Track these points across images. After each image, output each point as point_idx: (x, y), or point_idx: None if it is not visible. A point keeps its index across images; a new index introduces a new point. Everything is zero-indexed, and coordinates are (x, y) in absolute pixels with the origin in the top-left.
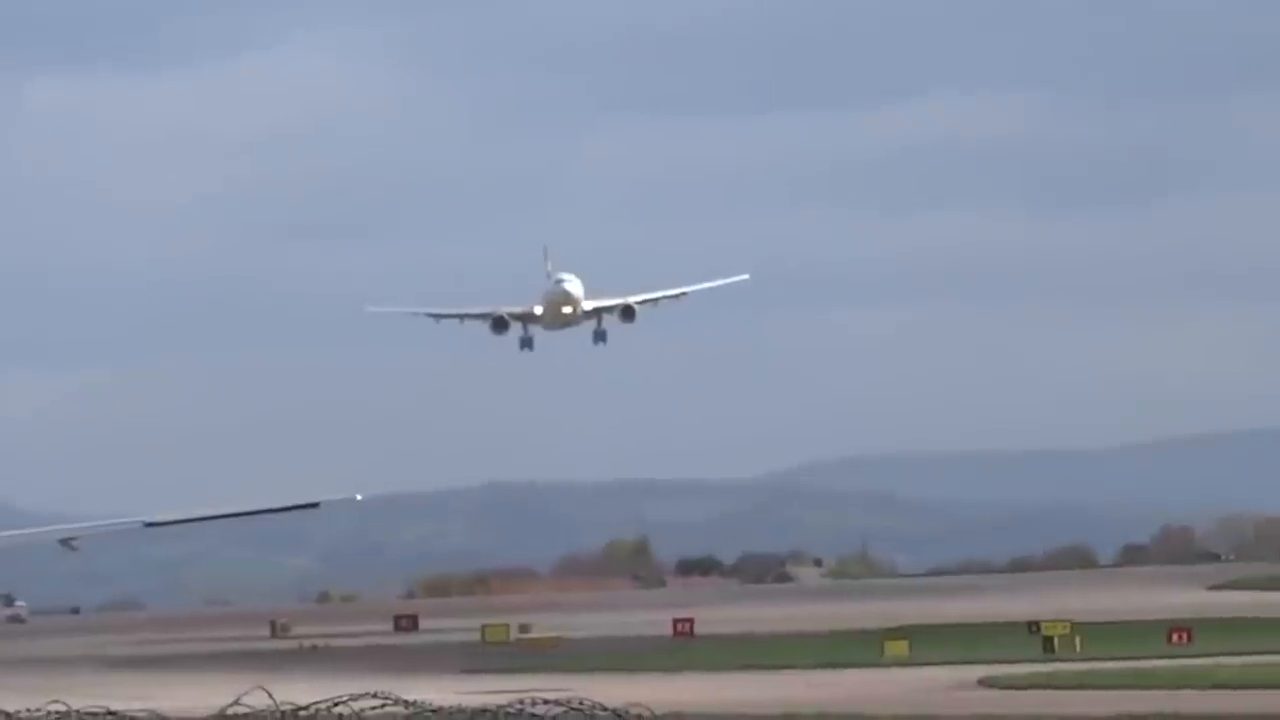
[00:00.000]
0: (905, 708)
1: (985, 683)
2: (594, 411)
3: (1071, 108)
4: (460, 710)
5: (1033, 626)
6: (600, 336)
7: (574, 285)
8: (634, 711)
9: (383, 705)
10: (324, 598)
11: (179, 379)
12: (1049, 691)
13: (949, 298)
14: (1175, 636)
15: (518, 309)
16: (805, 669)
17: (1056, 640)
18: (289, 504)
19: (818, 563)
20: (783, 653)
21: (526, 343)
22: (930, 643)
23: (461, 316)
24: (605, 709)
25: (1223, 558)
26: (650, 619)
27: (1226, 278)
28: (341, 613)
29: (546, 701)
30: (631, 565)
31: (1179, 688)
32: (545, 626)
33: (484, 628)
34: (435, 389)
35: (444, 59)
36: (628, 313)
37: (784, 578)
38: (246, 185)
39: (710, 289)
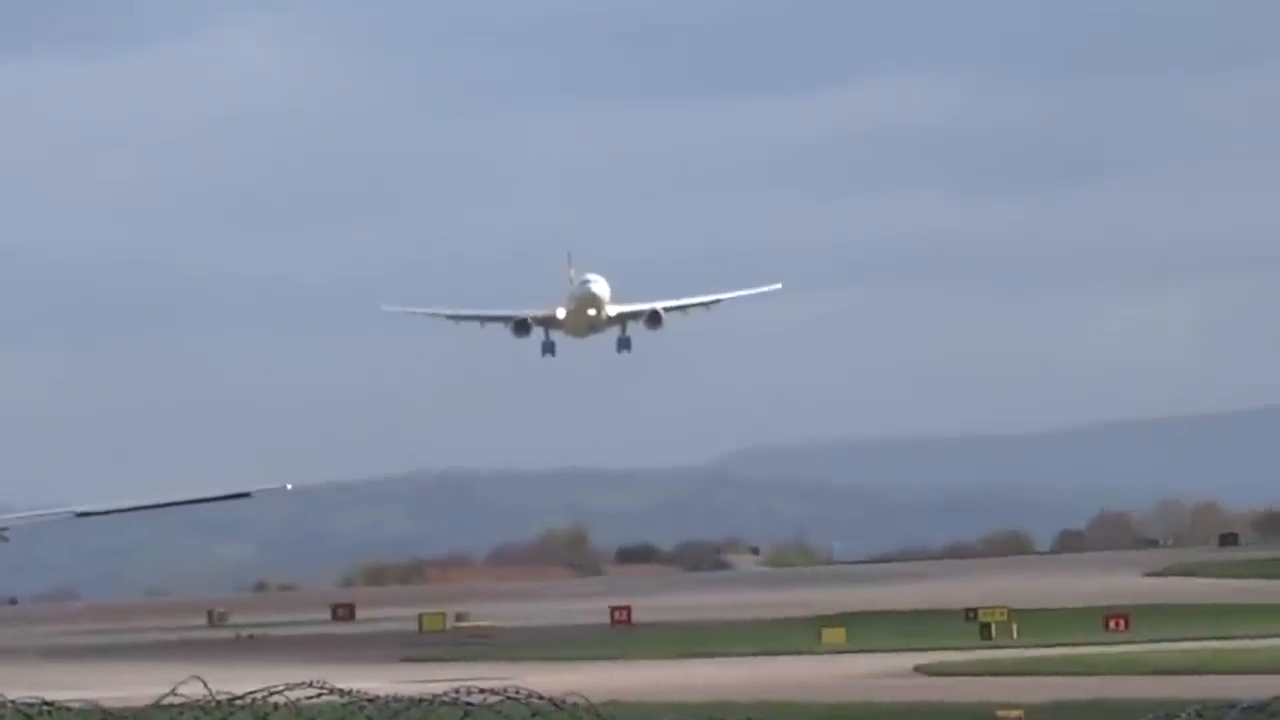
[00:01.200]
0: (842, 695)
1: (922, 670)
2: (530, 399)
3: (1004, 91)
4: (397, 699)
5: (969, 613)
6: (625, 344)
7: (600, 286)
8: (571, 700)
9: (319, 694)
10: (261, 587)
11: (110, 367)
12: (986, 678)
13: (884, 282)
14: (1112, 623)
15: (540, 312)
16: (743, 656)
17: (993, 627)
18: (220, 494)
19: (755, 550)
20: (720, 640)
21: (549, 348)
22: (867, 630)
23: (482, 319)
24: (542, 698)
25: (1160, 544)
26: (588, 607)
27: (1164, 260)
28: (278, 602)
29: (483, 690)
30: (568, 553)
31: (1116, 674)
32: (482, 615)
33: (421, 616)
34: (372, 378)
35: (387, 42)
36: (654, 319)
37: (721, 565)
38: (181, 172)
39: (741, 297)
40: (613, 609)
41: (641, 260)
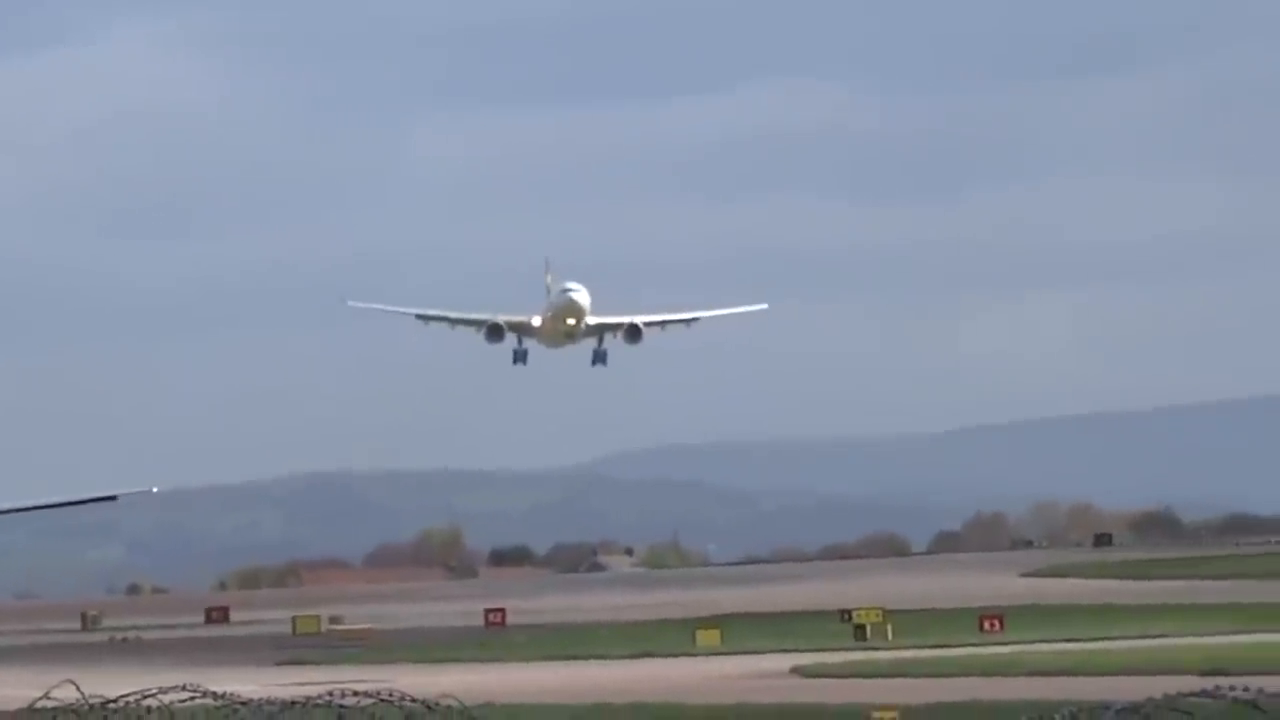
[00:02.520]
0: (717, 697)
1: (797, 671)
2: (405, 401)
3: (888, 99)
4: (271, 702)
5: (845, 615)
6: (600, 357)
7: (581, 296)
8: (445, 702)
9: (193, 698)
10: (135, 590)
11: None
12: (861, 680)
13: (765, 287)
14: (987, 624)
15: (516, 318)
16: (618, 658)
17: (868, 628)
18: (87, 497)
19: (629, 552)
20: (595, 642)
21: (520, 356)
22: (742, 631)
23: (453, 321)
24: (416, 700)
25: (1035, 544)
26: (462, 609)
27: (1039, 265)
28: (152, 605)
29: (357, 693)
30: (444, 555)
31: (991, 675)
32: (358, 617)
33: (295, 619)
34: (248, 380)
35: (274, 49)
36: (634, 333)
37: (596, 567)
38: (61, 180)
39: (724, 315)
40: (487, 611)
41: (528, 262)
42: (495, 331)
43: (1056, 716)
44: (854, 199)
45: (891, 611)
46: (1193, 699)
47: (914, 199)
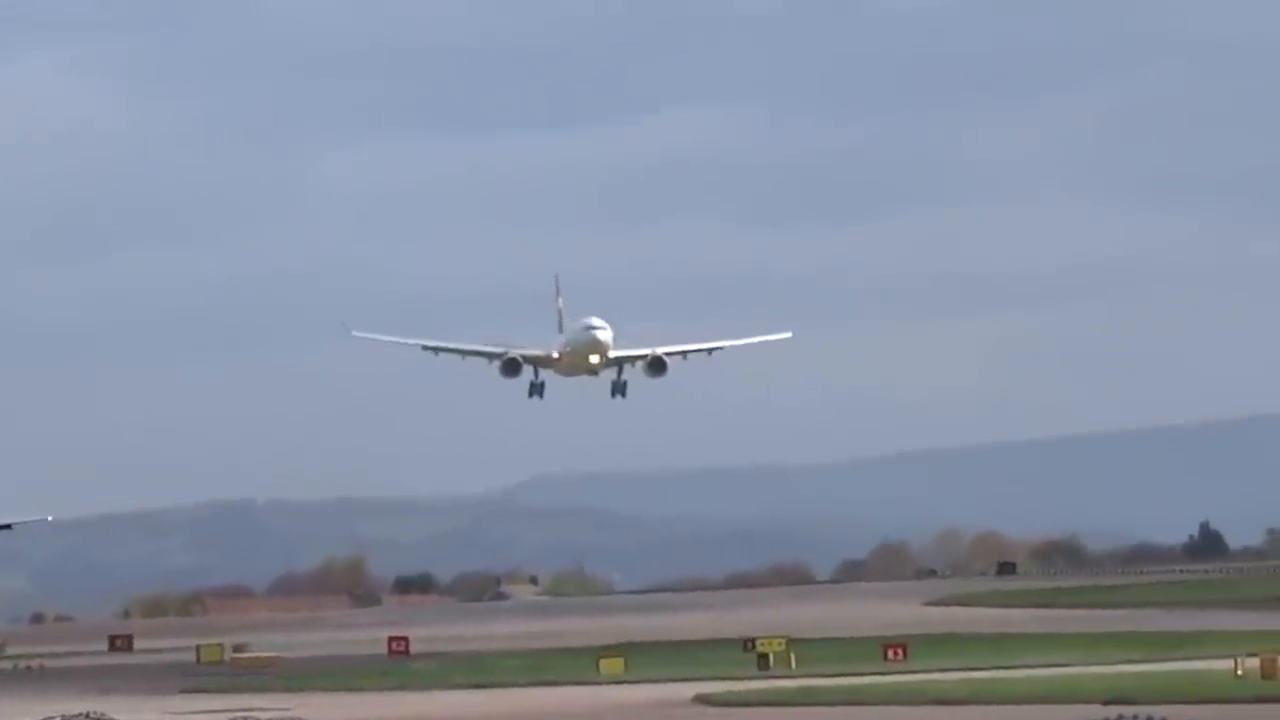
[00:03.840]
0: None
1: (701, 699)
2: (309, 429)
3: (800, 124)
4: None
5: (748, 643)
6: (620, 389)
7: (606, 334)
8: None
9: None
10: (38, 618)
11: None
12: (764, 709)
13: (674, 313)
14: (891, 652)
15: (533, 351)
16: (521, 687)
17: (772, 657)
18: None
19: (533, 580)
20: (499, 670)
21: (537, 389)
22: (646, 660)
23: (464, 352)
24: None
25: (939, 573)
26: (366, 637)
27: (946, 292)
28: (56, 633)
29: None
30: (347, 583)
31: (895, 704)
32: (262, 646)
33: (199, 647)
34: (151, 408)
35: (177, 74)
36: (657, 365)
37: (500, 595)
38: None
39: (747, 345)
40: (391, 639)
41: (436, 290)
42: (511, 366)
43: None
44: (761, 225)
45: (795, 640)
46: None
47: (821, 225)
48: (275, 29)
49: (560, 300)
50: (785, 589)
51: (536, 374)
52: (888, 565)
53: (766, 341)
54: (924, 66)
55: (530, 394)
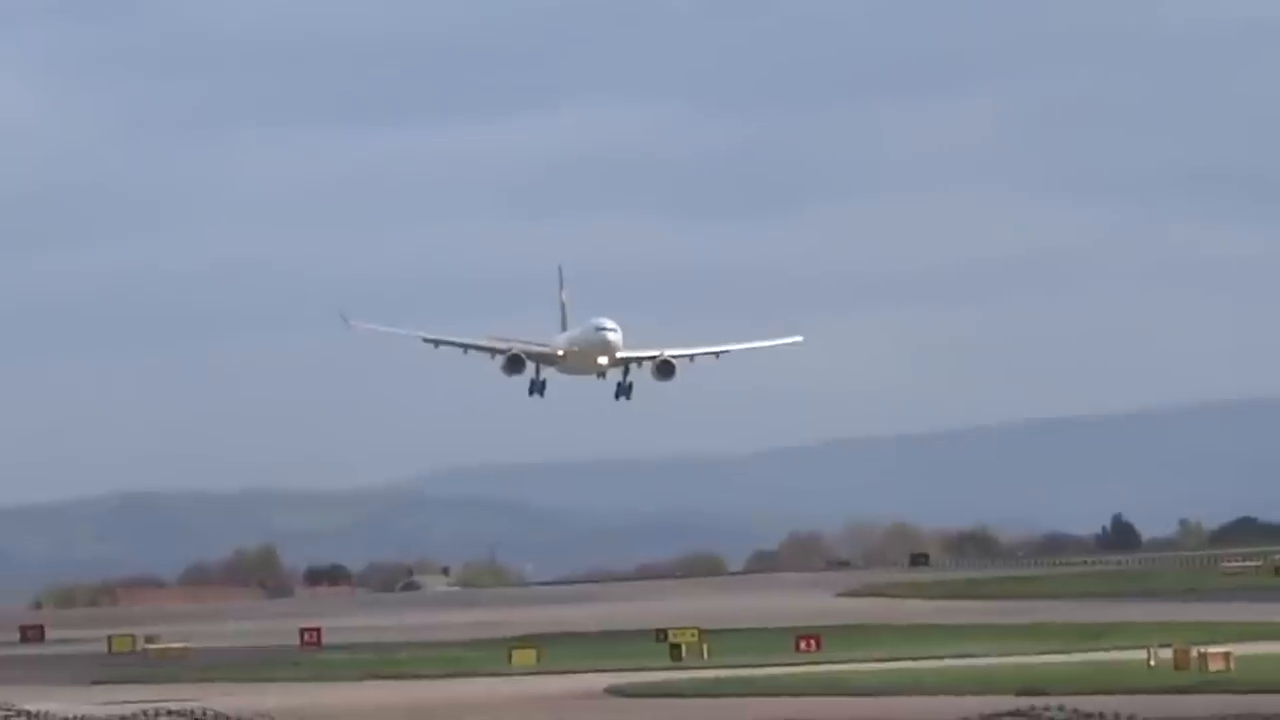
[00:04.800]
0: (533, 716)
1: (613, 691)
2: (220, 421)
3: (712, 118)
4: None
5: (660, 634)
6: (625, 390)
7: (616, 336)
8: None
9: (6, 716)
10: None
11: None
12: (677, 699)
13: (585, 305)
14: (803, 643)
15: (536, 347)
16: (433, 678)
17: (684, 648)
18: None
19: (445, 571)
20: (410, 661)
21: (538, 387)
22: (558, 651)
23: (466, 346)
24: (230, 718)
25: (851, 564)
26: (278, 628)
27: (859, 285)
28: None
29: (171, 712)
30: (259, 574)
31: (807, 695)
32: (173, 636)
33: (111, 638)
34: (61, 400)
35: (88, 69)
36: (665, 368)
37: (412, 586)
38: None
39: (757, 348)
40: (303, 630)
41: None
42: (515, 363)
43: None
44: (679, 218)
45: (707, 631)
46: (1008, 718)
47: (737, 218)
48: (190, 23)
49: (564, 294)
50: (697, 580)
51: (538, 372)
52: (799, 556)
53: (775, 345)
54: (843, 62)
55: (530, 392)
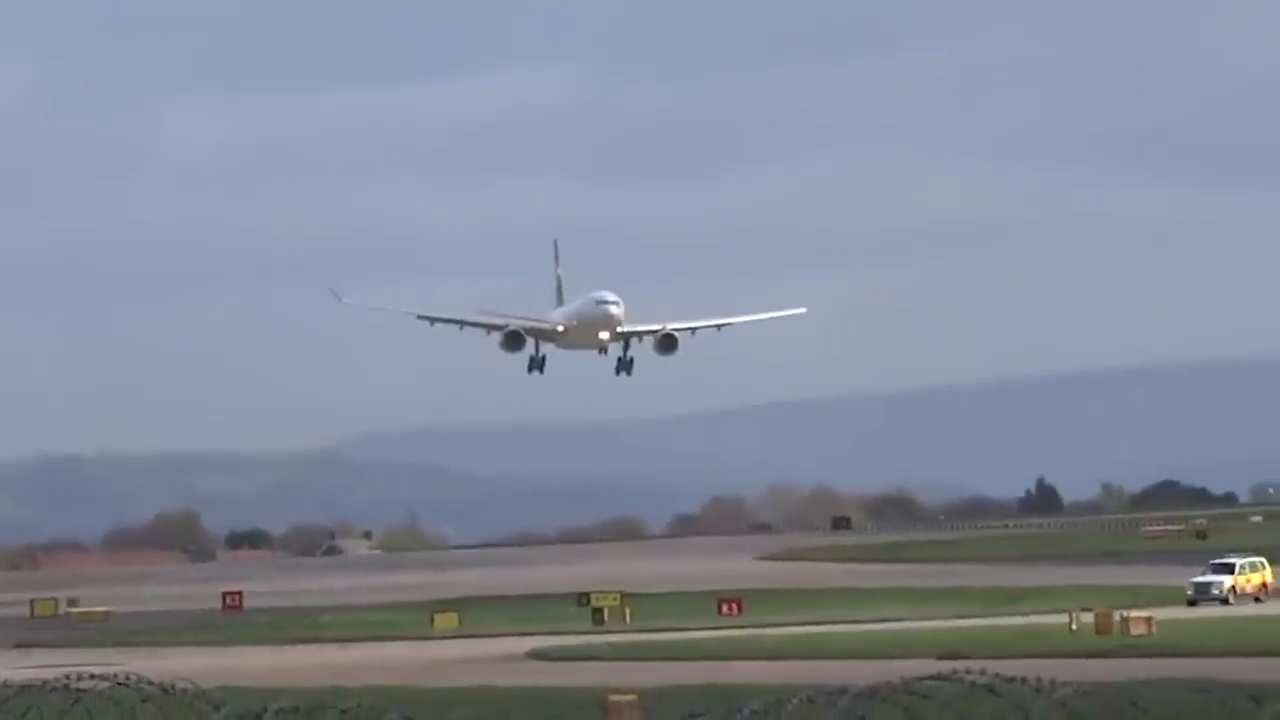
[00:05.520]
0: (455, 679)
1: (535, 654)
2: (141, 383)
3: (631, 81)
4: (6, 685)
5: (582, 598)
6: (626, 366)
7: (618, 309)
8: (182, 685)
9: None
10: None
11: None
12: (599, 663)
13: (511, 270)
14: (725, 607)
15: (535, 324)
16: (355, 641)
17: (606, 611)
18: None
19: (367, 535)
20: (332, 625)
21: (537, 364)
22: (480, 614)
23: (462, 324)
24: (153, 683)
25: (773, 528)
26: (200, 592)
27: (781, 248)
28: None
29: (94, 676)
30: (181, 538)
31: (729, 658)
32: (95, 600)
33: (32, 602)
34: None
35: (20, 32)
36: (667, 342)
37: (333, 550)
38: None
39: (759, 320)
40: (225, 593)
41: (273, 247)
42: (514, 340)
43: (794, 700)
44: (600, 182)
45: (630, 595)
46: (930, 682)
47: (659, 182)
48: None
49: (560, 268)
50: (619, 544)
51: (537, 348)
52: (721, 520)
53: (778, 317)
54: (770, 21)
55: (530, 369)
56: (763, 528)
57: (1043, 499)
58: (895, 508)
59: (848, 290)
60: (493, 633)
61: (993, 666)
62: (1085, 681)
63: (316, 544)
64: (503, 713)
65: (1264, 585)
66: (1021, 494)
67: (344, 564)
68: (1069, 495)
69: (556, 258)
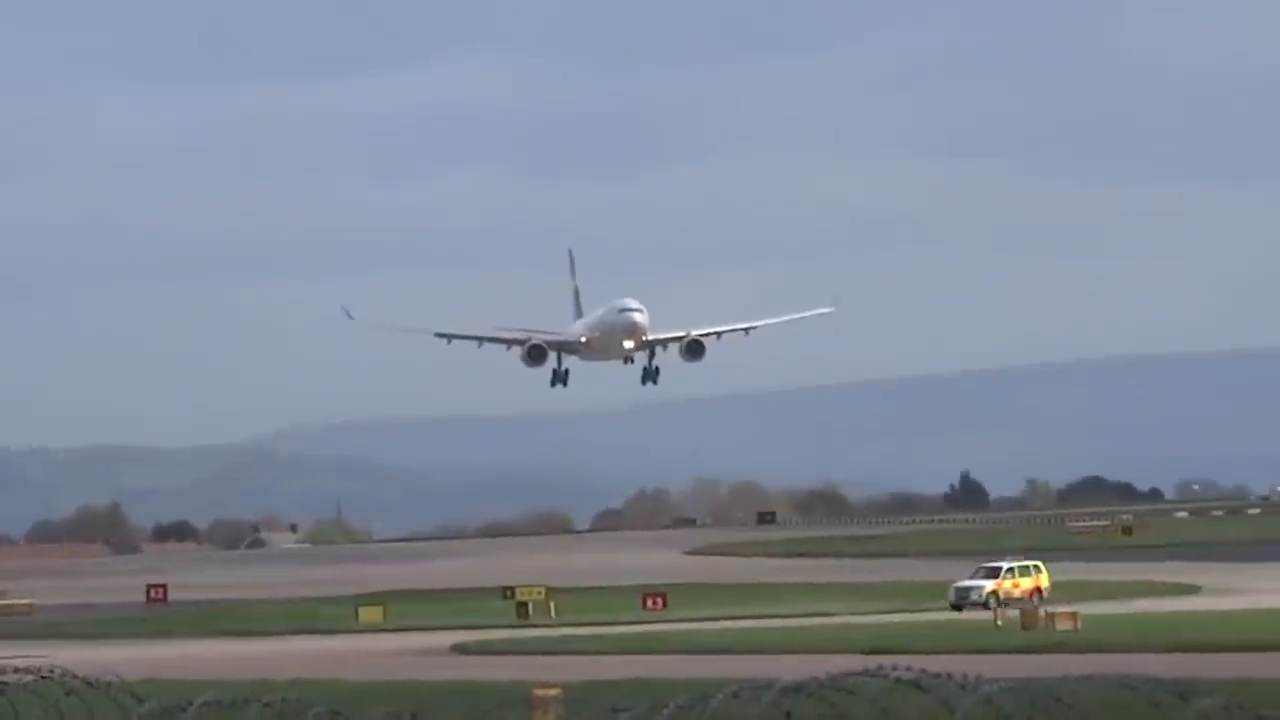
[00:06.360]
0: (380, 673)
1: (459, 648)
2: (66, 377)
3: (573, 76)
4: None
5: (507, 592)
6: (652, 375)
7: (643, 317)
8: (106, 679)
9: None
10: None
11: None
12: (523, 657)
13: (439, 264)
14: (650, 601)
15: (558, 337)
16: (280, 635)
17: (531, 605)
18: None
19: (293, 528)
20: (257, 619)
21: (561, 378)
22: (405, 608)
23: (481, 340)
24: (78, 677)
25: (698, 522)
26: (124, 585)
27: (710, 242)
28: None
29: (18, 669)
30: (105, 531)
31: (654, 653)
32: (18, 593)
33: None
34: None
35: None
36: (694, 349)
37: (258, 543)
38: None
39: (787, 322)
40: (149, 587)
41: (201, 242)
42: (537, 354)
43: (719, 695)
44: (536, 176)
45: (554, 589)
46: (856, 678)
47: (595, 176)
48: None
49: (576, 280)
50: (543, 538)
51: (560, 361)
52: (646, 514)
53: (804, 318)
54: (703, 18)
55: (553, 383)
56: (688, 522)
57: (968, 494)
58: (821, 503)
59: (772, 284)
60: (418, 626)
61: (919, 662)
62: (1011, 677)
63: (241, 537)
64: (427, 707)
65: (1038, 589)
66: (947, 489)
67: (269, 557)
68: (995, 491)
69: (572, 269)
